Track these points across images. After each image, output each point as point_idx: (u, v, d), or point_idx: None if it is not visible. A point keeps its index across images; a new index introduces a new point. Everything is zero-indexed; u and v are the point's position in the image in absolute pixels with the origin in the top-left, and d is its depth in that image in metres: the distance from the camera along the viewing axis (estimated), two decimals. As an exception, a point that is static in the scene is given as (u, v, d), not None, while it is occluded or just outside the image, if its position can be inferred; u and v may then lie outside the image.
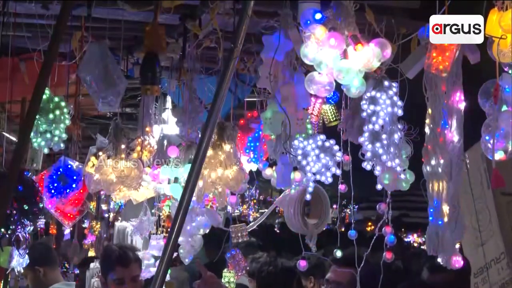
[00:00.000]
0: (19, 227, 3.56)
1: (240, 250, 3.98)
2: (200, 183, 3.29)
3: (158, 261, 3.00)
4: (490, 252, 3.92)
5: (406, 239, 13.84)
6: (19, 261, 3.91)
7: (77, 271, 7.23)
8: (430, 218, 2.86)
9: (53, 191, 4.06)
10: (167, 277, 4.24)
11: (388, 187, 2.88)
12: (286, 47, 2.94)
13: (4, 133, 4.62)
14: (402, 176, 2.85)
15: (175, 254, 3.54)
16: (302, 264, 3.14)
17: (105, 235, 8.47)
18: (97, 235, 8.03)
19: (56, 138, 4.01)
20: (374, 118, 2.80)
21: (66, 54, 4.23)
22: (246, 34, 2.64)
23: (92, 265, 5.68)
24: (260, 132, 3.85)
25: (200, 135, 3.11)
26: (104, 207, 9.23)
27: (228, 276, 4.03)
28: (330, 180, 3.07)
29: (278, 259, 4.22)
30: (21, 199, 3.52)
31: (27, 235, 3.71)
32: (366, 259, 3.08)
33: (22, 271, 4.17)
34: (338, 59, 2.63)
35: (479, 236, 4.27)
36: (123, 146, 3.67)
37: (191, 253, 3.88)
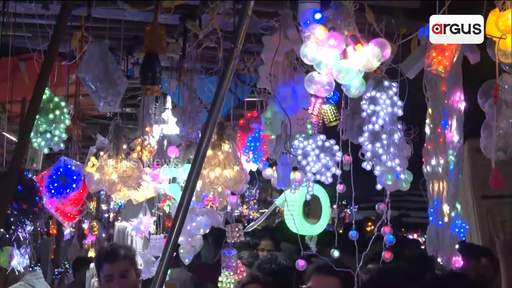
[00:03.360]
0: (19, 227, 3.55)
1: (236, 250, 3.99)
2: (199, 183, 3.29)
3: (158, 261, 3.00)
4: None
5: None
6: (19, 261, 3.91)
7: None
8: (430, 218, 2.86)
9: (53, 191, 4.06)
10: (167, 277, 4.24)
11: (389, 188, 2.88)
12: (286, 47, 2.94)
13: (4, 133, 4.61)
14: (402, 176, 2.85)
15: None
16: (301, 263, 3.13)
17: (104, 235, 8.49)
18: (97, 235, 8.04)
19: (56, 138, 4.01)
20: (374, 118, 2.80)
21: (66, 54, 4.23)
22: (246, 34, 2.65)
23: (92, 265, 5.68)
24: (260, 132, 3.85)
25: (200, 135, 3.10)
26: (104, 207, 9.24)
27: (226, 275, 4.03)
28: (330, 180, 3.07)
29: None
30: (21, 199, 3.51)
31: (27, 235, 3.70)
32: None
33: (22, 271, 4.16)
34: (337, 59, 2.63)
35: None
36: (124, 146, 3.67)
37: (191, 253, 3.88)
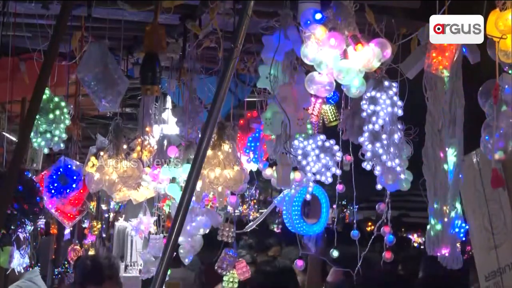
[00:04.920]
0: (19, 227, 3.55)
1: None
2: (199, 183, 3.29)
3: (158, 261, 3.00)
4: (504, 256, 3.74)
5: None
6: (19, 261, 3.91)
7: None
8: (430, 218, 2.86)
9: (53, 191, 4.05)
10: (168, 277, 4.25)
11: (389, 188, 2.88)
12: (286, 47, 2.94)
13: (4, 133, 4.61)
14: (402, 176, 2.85)
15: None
16: (299, 263, 3.14)
17: (104, 235, 8.48)
18: (97, 235, 8.03)
19: (56, 138, 4.01)
20: (374, 118, 2.81)
21: (66, 54, 4.23)
22: (246, 34, 2.64)
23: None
24: (260, 132, 3.85)
25: (200, 135, 3.11)
26: (104, 207, 9.22)
27: (230, 276, 4.03)
28: (330, 180, 3.07)
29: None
30: (21, 199, 3.51)
31: (27, 235, 3.70)
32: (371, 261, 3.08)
33: (22, 271, 4.16)
34: (338, 59, 2.63)
35: (491, 238, 4.12)
36: (124, 146, 3.67)
37: (191, 253, 3.89)
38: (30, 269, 4.24)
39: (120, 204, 8.17)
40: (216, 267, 3.89)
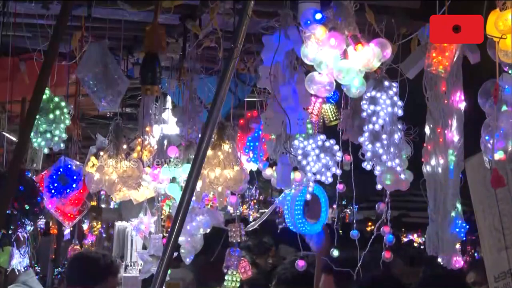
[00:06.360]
0: (19, 227, 3.55)
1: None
2: (199, 183, 3.29)
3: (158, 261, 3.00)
4: None
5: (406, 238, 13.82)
6: (19, 261, 3.90)
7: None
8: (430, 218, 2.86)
9: (53, 191, 4.06)
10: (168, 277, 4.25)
11: (389, 187, 2.88)
12: (286, 47, 2.94)
13: (4, 133, 4.61)
14: (402, 176, 2.85)
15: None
16: (301, 264, 3.14)
17: (104, 235, 8.49)
18: (97, 235, 8.04)
19: (56, 138, 4.01)
20: (374, 118, 2.80)
21: (66, 54, 4.23)
22: (246, 34, 2.65)
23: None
24: (260, 132, 3.85)
25: (200, 135, 3.11)
26: (104, 206, 9.23)
27: (232, 276, 4.03)
28: (330, 180, 3.07)
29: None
30: (21, 199, 3.51)
31: (27, 235, 3.70)
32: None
33: (22, 271, 4.16)
34: (338, 59, 2.63)
35: (502, 238, 4.11)
36: (124, 146, 3.67)
37: (192, 253, 3.89)
38: (30, 269, 4.23)
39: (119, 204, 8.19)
40: (224, 268, 3.89)
